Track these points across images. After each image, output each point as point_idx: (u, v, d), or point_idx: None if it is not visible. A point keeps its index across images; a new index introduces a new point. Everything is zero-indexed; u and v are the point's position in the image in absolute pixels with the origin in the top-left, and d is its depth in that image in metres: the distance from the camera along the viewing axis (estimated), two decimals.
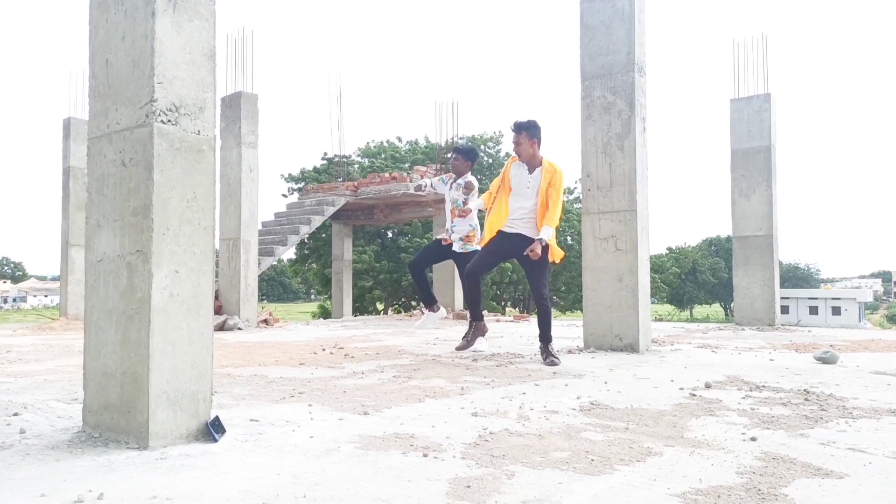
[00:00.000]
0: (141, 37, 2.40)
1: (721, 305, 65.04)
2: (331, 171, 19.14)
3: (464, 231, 5.78)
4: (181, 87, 2.44)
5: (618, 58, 5.49)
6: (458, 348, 5.26)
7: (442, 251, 5.91)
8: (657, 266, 39.67)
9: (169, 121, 2.40)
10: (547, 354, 4.68)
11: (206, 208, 2.51)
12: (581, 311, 6.19)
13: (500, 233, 4.87)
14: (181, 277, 2.41)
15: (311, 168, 23.32)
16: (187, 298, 2.42)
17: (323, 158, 21.43)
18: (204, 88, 2.52)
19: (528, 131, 4.78)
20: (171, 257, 2.38)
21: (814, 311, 45.99)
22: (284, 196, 23.25)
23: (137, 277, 2.35)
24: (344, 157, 16.75)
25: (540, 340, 4.78)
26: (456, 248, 5.80)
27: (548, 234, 4.72)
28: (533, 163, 4.83)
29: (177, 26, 2.43)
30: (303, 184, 22.30)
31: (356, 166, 22.48)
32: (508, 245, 4.86)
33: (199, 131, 2.50)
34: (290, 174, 23.63)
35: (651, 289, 5.64)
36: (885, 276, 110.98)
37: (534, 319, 10.75)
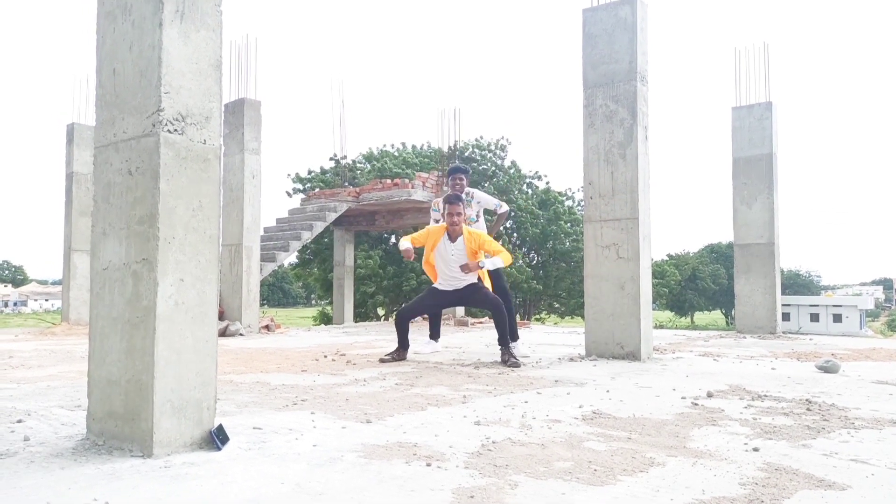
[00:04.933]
0: (148, 47, 2.42)
1: (722, 312, 64.97)
2: (338, 172, 19.14)
3: None
4: (188, 97, 2.46)
5: (620, 66, 5.51)
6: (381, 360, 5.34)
7: None
8: (658, 272, 39.68)
9: (175, 130, 2.41)
10: (507, 356, 5.04)
11: (211, 217, 2.52)
12: (581, 317, 6.22)
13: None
14: (186, 286, 2.42)
15: (318, 169, 23.27)
16: (192, 307, 2.43)
17: (331, 159, 21.42)
18: (210, 98, 2.54)
19: (462, 201, 5.31)
20: (176, 266, 2.39)
21: (815, 318, 45.91)
22: (289, 195, 23.20)
23: (143, 286, 2.36)
24: (351, 161, 16.76)
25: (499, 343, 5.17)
26: None
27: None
28: (457, 233, 5.29)
29: (184, 36, 2.45)
30: (309, 185, 22.27)
31: (358, 171, 22.45)
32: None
33: (205, 140, 2.51)
34: (297, 174, 23.54)
35: (651, 294, 5.66)
36: (886, 284, 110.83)
37: (535, 326, 10.76)
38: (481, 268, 5.17)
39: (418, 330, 8.57)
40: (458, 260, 5.23)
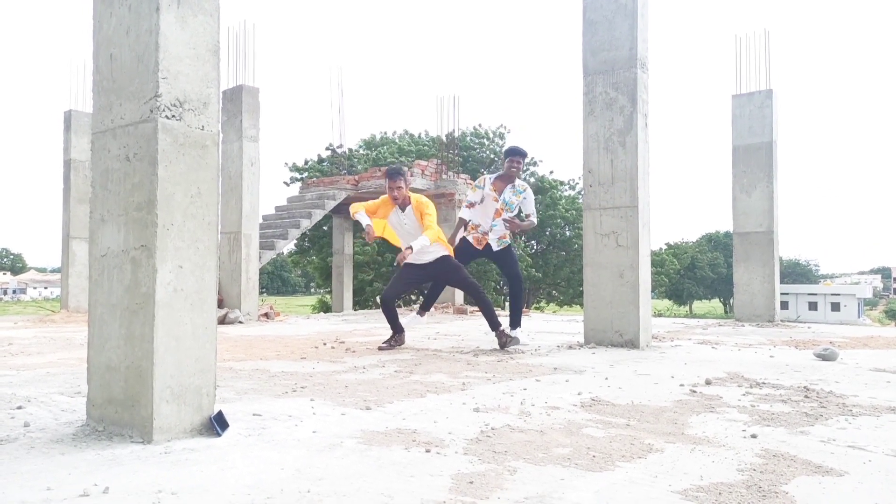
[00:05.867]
0: (145, 32, 2.40)
1: (720, 301, 65.12)
2: (335, 161, 19.06)
3: (502, 231, 5.80)
4: (185, 83, 2.44)
5: (620, 53, 5.48)
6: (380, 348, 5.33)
7: (473, 252, 5.86)
8: (656, 261, 39.73)
9: (173, 116, 2.40)
10: (504, 338, 5.13)
11: (210, 203, 2.51)
12: (580, 305, 6.24)
13: (408, 265, 5.31)
14: (185, 272, 2.41)
15: (315, 158, 23.19)
16: (191, 293, 2.43)
17: (328, 148, 21.30)
18: (208, 84, 2.52)
19: (403, 176, 5.21)
20: (175, 252, 2.38)
21: (813, 306, 46.06)
22: (287, 184, 23.16)
23: (142, 272, 2.36)
24: (347, 149, 16.70)
25: (492, 329, 5.24)
26: (494, 246, 5.81)
27: (420, 242, 5.07)
28: (405, 202, 5.24)
29: (181, 21, 2.43)
30: (306, 174, 22.20)
31: (356, 160, 22.38)
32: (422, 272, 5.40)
33: (203, 126, 2.50)
34: (294, 164, 23.46)
35: (650, 283, 5.66)
36: (884, 273, 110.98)
37: (534, 314, 10.77)
38: (409, 249, 5.04)
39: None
40: (412, 227, 5.23)
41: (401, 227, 5.30)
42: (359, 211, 5.29)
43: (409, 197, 5.28)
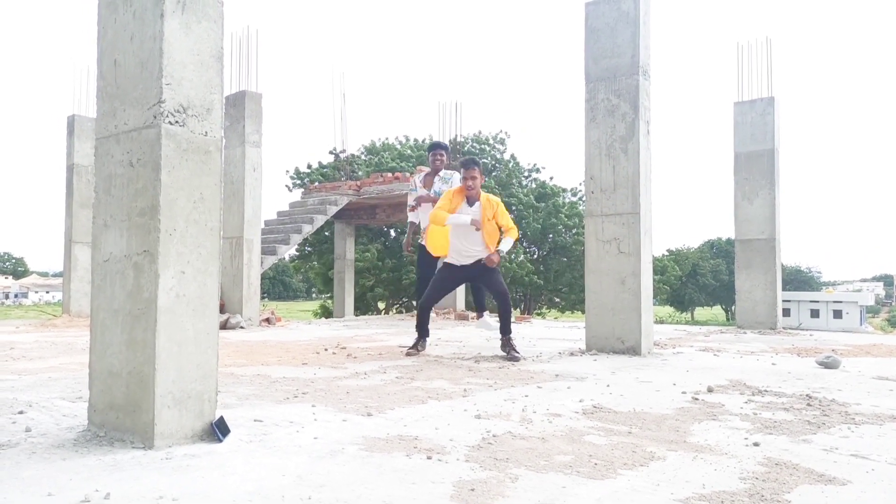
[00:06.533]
0: (150, 38, 2.41)
1: (722, 308, 65.00)
2: (337, 166, 19.09)
3: None
4: (189, 89, 2.45)
5: (622, 61, 5.49)
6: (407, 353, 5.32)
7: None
8: (658, 267, 39.67)
9: (177, 122, 2.41)
10: (509, 348, 5.08)
11: (212, 209, 2.52)
12: (582, 312, 6.26)
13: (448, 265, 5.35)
14: (188, 278, 2.42)
15: (317, 165, 23.23)
16: (193, 299, 2.43)
17: (331, 152, 21.29)
18: (212, 90, 2.53)
19: (478, 166, 5.22)
20: (177, 258, 2.39)
21: (815, 314, 45.97)
22: (289, 189, 23.20)
23: (144, 278, 2.36)
24: (350, 154, 16.74)
25: (501, 333, 5.18)
26: None
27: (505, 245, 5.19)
28: (476, 197, 5.20)
29: (185, 28, 2.44)
30: (307, 180, 22.24)
31: (356, 165, 22.41)
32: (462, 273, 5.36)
33: (206, 132, 2.51)
34: (296, 169, 23.49)
35: (652, 289, 5.65)
36: (886, 280, 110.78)
37: (536, 321, 10.77)
38: (501, 254, 5.10)
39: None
40: (474, 225, 5.13)
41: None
42: (446, 217, 5.11)
43: (479, 192, 5.20)
